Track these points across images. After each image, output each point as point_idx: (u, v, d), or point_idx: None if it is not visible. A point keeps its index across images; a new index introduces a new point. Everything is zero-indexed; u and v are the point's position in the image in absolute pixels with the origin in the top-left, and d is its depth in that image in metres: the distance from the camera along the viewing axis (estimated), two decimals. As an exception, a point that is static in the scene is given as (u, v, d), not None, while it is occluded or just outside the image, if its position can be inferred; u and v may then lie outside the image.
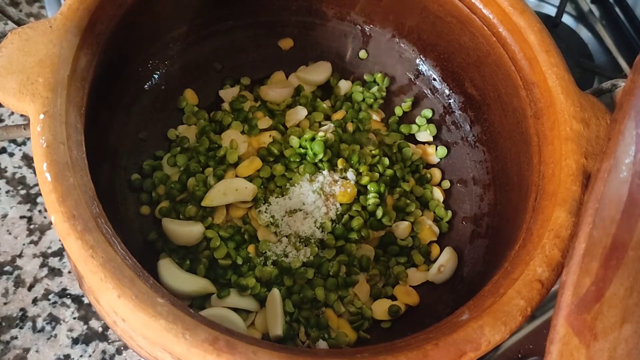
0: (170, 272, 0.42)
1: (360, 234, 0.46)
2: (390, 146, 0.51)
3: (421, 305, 0.46)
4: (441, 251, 0.48)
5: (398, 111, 0.55)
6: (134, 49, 0.46)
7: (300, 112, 0.51)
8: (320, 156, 0.47)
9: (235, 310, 0.42)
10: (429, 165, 0.53)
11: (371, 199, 0.47)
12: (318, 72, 0.55)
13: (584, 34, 0.71)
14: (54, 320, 0.47)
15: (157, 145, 0.49)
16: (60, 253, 0.49)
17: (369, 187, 0.47)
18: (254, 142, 0.49)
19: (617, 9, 0.72)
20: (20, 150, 0.54)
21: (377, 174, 0.49)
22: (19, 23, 0.40)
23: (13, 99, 0.33)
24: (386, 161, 0.49)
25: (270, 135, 0.50)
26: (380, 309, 0.45)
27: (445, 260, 0.46)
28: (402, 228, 0.48)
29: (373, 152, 0.50)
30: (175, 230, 0.44)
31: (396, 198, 0.49)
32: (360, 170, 0.48)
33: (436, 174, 0.52)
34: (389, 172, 0.49)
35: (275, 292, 0.42)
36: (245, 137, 0.49)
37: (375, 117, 0.54)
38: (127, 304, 0.29)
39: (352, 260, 0.46)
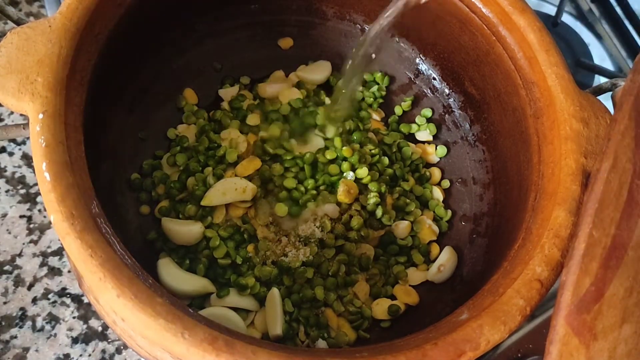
0: (170, 271, 0.42)
1: (360, 233, 0.46)
2: (390, 145, 0.51)
3: (421, 305, 0.46)
4: (441, 251, 0.48)
5: (398, 110, 0.55)
6: (133, 49, 0.46)
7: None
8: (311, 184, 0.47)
9: (235, 309, 0.42)
10: (428, 165, 0.53)
11: (372, 199, 0.47)
12: (318, 71, 0.55)
13: (584, 33, 0.71)
14: (53, 319, 0.47)
15: (157, 145, 0.49)
16: (59, 252, 0.49)
17: (369, 186, 0.47)
18: (253, 141, 0.49)
19: (617, 8, 0.72)
20: (19, 149, 0.54)
21: (376, 173, 0.49)
22: (18, 22, 0.40)
23: (12, 98, 0.33)
24: (386, 160, 0.49)
25: (261, 139, 0.49)
26: (380, 308, 0.45)
27: (445, 260, 0.46)
28: (402, 228, 0.48)
29: (373, 151, 0.50)
30: (175, 229, 0.44)
31: (396, 197, 0.49)
32: (360, 170, 0.48)
33: (436, 173, 0.52)
34: (389, 171, 0.49)
35: (275, 292, 0.42)
36: (245, 136, 0.49)
37: (375, 116, 0.54)
38: (126, 303, 0.29)
39: (351, 260, 0.46)
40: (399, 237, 0.48)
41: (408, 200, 0.49)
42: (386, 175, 0.49)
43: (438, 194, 0.51)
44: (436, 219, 0.50)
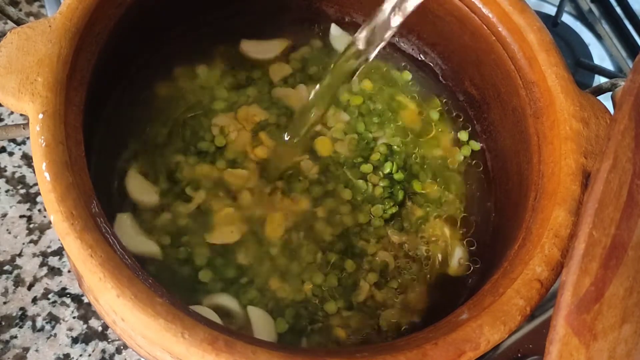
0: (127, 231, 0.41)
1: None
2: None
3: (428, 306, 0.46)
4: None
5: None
6: (133, 48, 0.46)
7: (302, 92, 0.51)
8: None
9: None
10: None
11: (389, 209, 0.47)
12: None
13: (584, 33, 0.71)
14: (53, 319, 0.47)
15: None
16: (59, 252, 0.49)
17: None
18: (243, 121, 0.48)
19: (617, 8, 0.72)
20: (20, 149, 0.54)
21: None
22: (18, 22, 0.40)
23: (12, 98, 0.33)
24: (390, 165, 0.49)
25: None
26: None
27: (461, 255, 0.46)
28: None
29: (397, 147, 0.49)
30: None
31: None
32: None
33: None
34: (399, 176, 0.49)
35: (257, 314, 0.41)
36: (236, 122, 0.48)
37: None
38: (126, 303, 0.29)
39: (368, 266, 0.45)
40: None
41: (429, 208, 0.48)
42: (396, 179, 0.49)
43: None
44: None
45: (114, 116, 0.46)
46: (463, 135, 0.51)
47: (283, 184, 0.46)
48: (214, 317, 0.40)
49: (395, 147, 0.49)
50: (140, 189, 0.44)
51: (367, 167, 0.48)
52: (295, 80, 0.52)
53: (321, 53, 0.54)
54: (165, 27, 0.49)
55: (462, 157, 0.51)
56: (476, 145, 0.51)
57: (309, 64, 0.53)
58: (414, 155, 0.50)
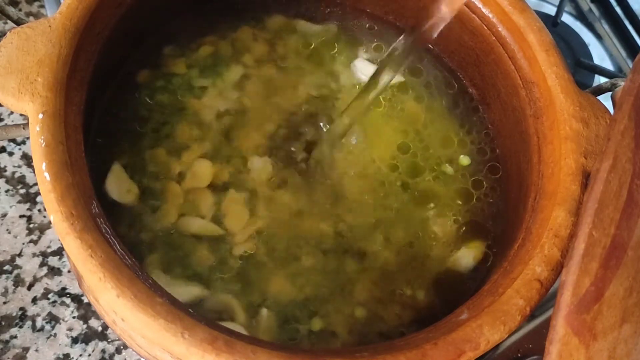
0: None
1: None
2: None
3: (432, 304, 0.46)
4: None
5: None
6: (133, 48, 0.46)
7: None
8: None
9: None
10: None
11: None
12: None
13: (584, 33, 0.71)
14: (53, 319, 0.47)
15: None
16: (59, 252, 0.49)
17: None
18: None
19: (617, 8, 0.73)
20: (19, 149, 0.54)
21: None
22: (18, 22, 0.40)
23: (12, 98, 0.33)
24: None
25: None
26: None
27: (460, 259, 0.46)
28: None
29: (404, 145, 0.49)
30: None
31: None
32: None
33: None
34: (407, 176, 0.48)
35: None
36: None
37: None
38: (126, 303, 0.29)
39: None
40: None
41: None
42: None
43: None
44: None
45: (113, 114, 0.46)
46: (462, 136, 0.51)
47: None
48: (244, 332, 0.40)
49: (403, 144, 0.49)
50: (121, 191, 0.43)
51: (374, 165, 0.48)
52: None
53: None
54: (166, 25, 0.49)
55: (463, 157, 0.51)
56: (476, 146, 0.51)
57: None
58: (417, 155, 0.51)
